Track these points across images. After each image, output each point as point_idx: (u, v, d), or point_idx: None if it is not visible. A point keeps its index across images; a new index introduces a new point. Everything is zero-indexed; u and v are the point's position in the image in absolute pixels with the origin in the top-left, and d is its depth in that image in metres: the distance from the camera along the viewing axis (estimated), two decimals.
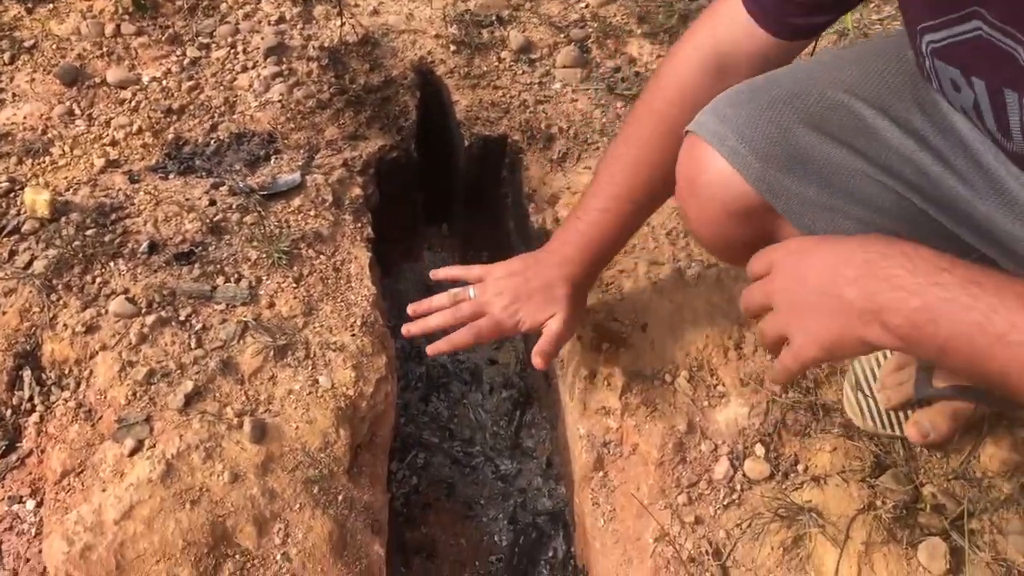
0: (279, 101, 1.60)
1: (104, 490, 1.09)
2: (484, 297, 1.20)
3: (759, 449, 1.21)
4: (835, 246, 0.79)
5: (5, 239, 1.33)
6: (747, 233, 0.95)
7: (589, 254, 1.17)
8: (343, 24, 1.74)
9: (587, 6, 1.85)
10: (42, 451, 1.15)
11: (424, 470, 1.47)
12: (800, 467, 1.19)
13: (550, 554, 1.36)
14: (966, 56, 0.77)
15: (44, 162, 1.47)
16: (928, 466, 1.18)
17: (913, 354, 0.79)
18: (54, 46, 1.68)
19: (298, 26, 1.76)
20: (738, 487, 1.19)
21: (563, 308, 1.18)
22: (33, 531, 1.10)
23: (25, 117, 1.55)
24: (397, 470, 1.46)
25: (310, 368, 1.22)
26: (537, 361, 1.18)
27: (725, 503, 1.18)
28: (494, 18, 1.80)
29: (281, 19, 1.77)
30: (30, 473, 1.15)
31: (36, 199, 1.36)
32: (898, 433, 1.19)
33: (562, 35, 1.78)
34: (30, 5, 1.75)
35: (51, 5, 1.76)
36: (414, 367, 1.61)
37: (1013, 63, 0.71)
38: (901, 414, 1.19)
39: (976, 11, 0.72)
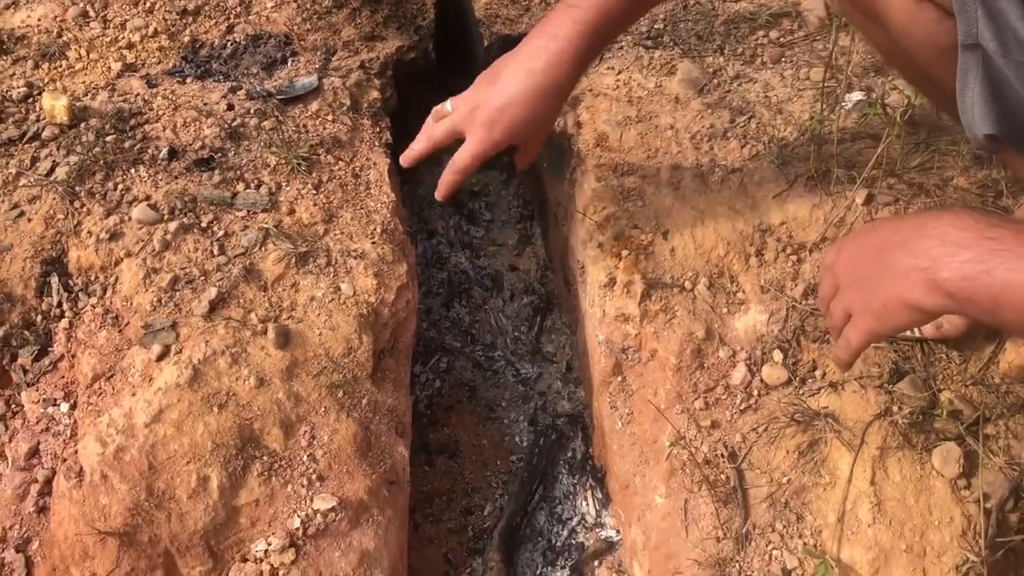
0: (295, 1, 1.56)
1: (134, 394, 1.12)
2: (459, 114, 1.14)
3: (777, 355, 1.21)
4: (892, 221, 0.79)
5: (26, 145, 1.34)
6: None
7: (580, 51, 1.07)
8: None
9: None
10: (73, 356, 1.18)
11: (447, 373, 1.50)
12: (818, 373, 1.20)
13: (569, 455, 1.40)
14: None
15: (60, 66, 1.46)
16: (947, 372, 1.18)
17: (963, 313, 0.78)
18: None
19: None
20: (755, 392, 1.20)
21: (536, 132, 1.15)
22: (68, 432, 1.14)
23: (39, 19, 1.53)
24: (420, 373, 1.48)
25: (332, 275, 1.23)
26: (521, 162, 1.22)
27: (742, 408, 1.19)
28: None
29: None
30: (62, 377, 1.18)
31: (55, 104, 1.35)
32: (918, 334, 1.19)
33: None
34: None
35: None
36: (435, 272, 1.62)
37: None
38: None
39: None
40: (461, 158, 1.14)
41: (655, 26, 1.55)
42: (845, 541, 1.09)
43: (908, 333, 1.19)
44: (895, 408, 1.15)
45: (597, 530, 1.33)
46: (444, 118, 1.16)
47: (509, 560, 1.28)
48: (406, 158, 1.19)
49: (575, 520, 1.34)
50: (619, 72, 1.48)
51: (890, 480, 1.11)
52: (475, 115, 1.11)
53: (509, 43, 1.54)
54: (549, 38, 1.08)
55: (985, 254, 0.70)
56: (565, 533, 1.32)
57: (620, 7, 1.08)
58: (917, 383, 1.16)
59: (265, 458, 1.11)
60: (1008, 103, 0.93)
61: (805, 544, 1.11)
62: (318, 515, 1.09)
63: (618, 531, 1.32)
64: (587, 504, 1.35)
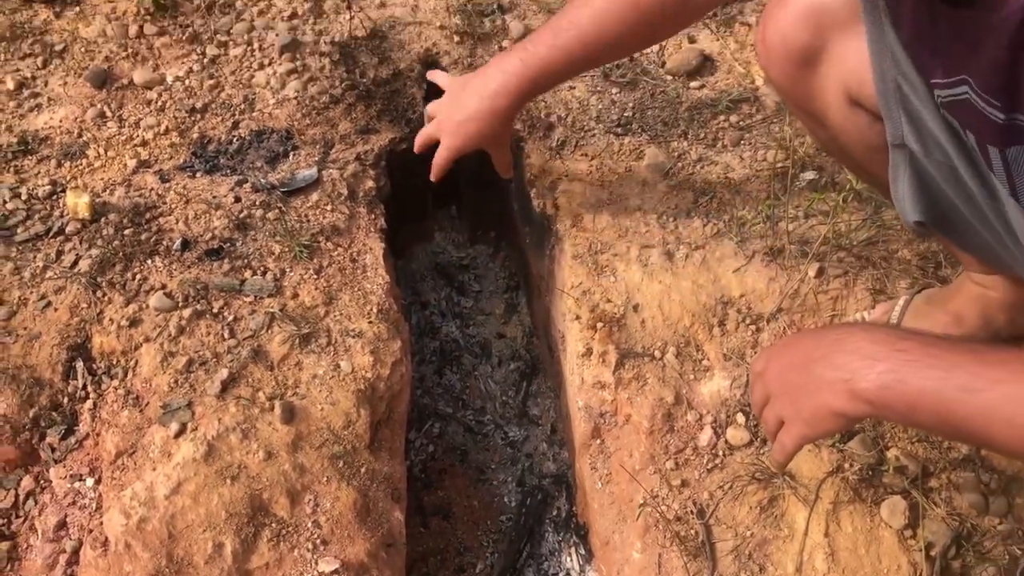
0: (295, 98, 1.70)
1: (154, 469, 1.23)
2: (436, 122, 1.44)
3: (740, 418, 1.33)
4: (814, 334, 0.92)
5: (52, 240, 1.47)
6: None
7: (521, 89, 1.33)
8: (352, 18, 1.84)
9: None
10: (97, 434, 1.30)
11: (439, 438, 1.61)
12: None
13: (554, 513, 1.51)
14: (961, 112, 0.87)
15: (81, 164, 1.60)
16: (893, 431, 1.30)
17: (884, 418, 0.91)
18: (83, 49, 1.79)
19: (310, 21, 1.85)
20: (720, 453, 1.32)
21: (493, 140, 1.42)
22: (94, 506, 1.25)
23: (61, 121, 1.67)
24: (415, 439, 1.60)
25: (332, 354, 1.35)
26: (434, 174, 1.46)
27: (709, 467, 1.31)
28: (495, 6, 1.89)
29: (293, 14, 1.86)
30: (88, 454, 1.29)
31: (77, 202, 1.49)
32: None
33: None
34: (58, 9, 1.85)
35: (77, 8, 1.86)
36: (428, 342, 1.74)
37: (993, 124, 0.80)
38: None
39: (964, 79, 0.82)
40: (437, 158, 1.44)
41: (624, 114, 1.69)
42: None
43: None
44: (846, 465, 1.26)
45: None
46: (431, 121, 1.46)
47: None
48: (417, 149, 1.49)
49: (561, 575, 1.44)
50: (592, 158, 1.62)
51: (843, 532, 1.22)
52: (442, 126, 1.41)
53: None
54: (500, 71, 1.33)
55: (898, 365, 0.81)
56: None
57: (561, 63, 1.30)
58: (867, 442, 1.28)
59: (274, 525, 1.22)
60: (933, 195, 1.06)
61: None
62: None
63: None
64: (571, 560, 1.45)
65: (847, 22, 1.03)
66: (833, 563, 1.20)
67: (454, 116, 1.40)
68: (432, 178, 1.47)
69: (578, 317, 1.44)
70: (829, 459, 1.27)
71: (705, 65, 1.76)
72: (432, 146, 1.45)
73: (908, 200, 1.08)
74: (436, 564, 1.47)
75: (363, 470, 1.29)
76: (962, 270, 1.32)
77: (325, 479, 1.26)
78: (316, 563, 1.21)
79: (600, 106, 1.71)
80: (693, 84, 1.75)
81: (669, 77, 1.76)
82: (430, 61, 1.79)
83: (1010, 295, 1.25)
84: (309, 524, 1.23)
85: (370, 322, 1.39)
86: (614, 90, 1.74)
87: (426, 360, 1.71)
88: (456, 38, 1.83)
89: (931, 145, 1.00)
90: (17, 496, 1.29)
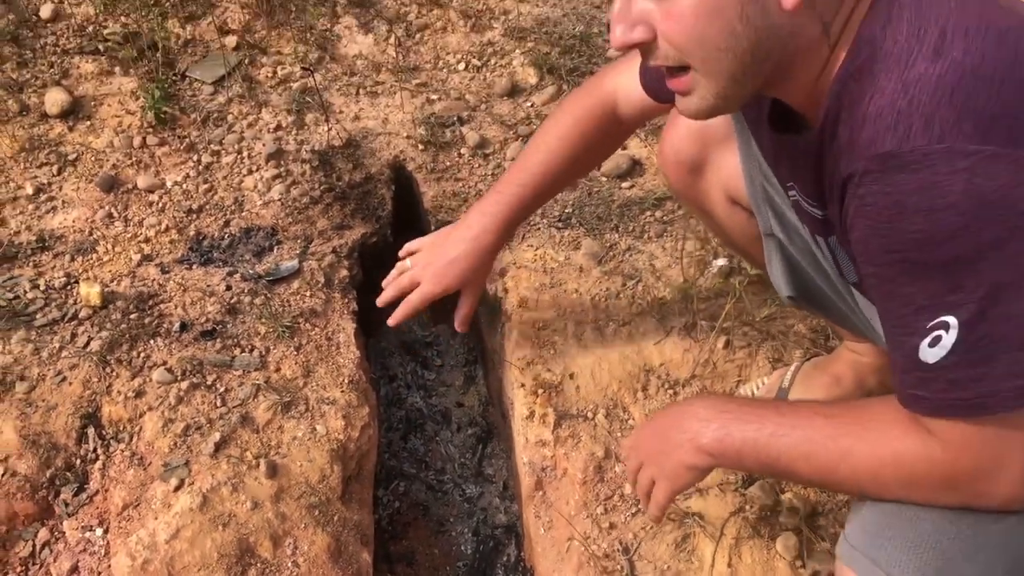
0: (279, 199, 1.96)
1: (156, 518, 1.44)
2: (416, 269, 1.53)
3: None
4: (668, 410, 1.17)
5: (67, 324, 1.69)
6: None
7: (507, 224, 1.49)
8: (330, 129, 2.12)
9: (532, 105, 2.22)
10: (106, 490, 1.50)
11: (404, 495, 1.82)
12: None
13: (504, 558, 1.71)
14: (798, 211, 1.13)
15: (92, 259, 1.84)
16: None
17: (723, 466, 1.12)
18: (93, 158, 2.05)
19: (292, 132, 2.13)
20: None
21: (474, 280, 1.52)
22: (103, 552, 1.45)
23: (74, 221, 1.92)
24: (382, 496, 1.80)
25: (309, 419, 1.57)
26: (460, 326, 1.55)
27: (633, 512, 1.53)
28: (455, 119, 2.17)
29: (278, 127, 2.14)
30: (97, 508, 1.50)
31: (89, 291, 1.72)
32: None
33: (512, 132, 2.15)
34: (71, 123, 2.12)
35: (88, 123, 2.13)
36: (396, 411, 1.96)
37: (815, 220, 1.06)
38: None
39: (793, 186, 1.08)
40: (414, 298, 1.51)
41: (565, 211, 1.96)
42: None
43: None
44: (747, 507, 1.49)
45: None
46: (405, 272, 1.55)
47: None
48: (382, 300, 1.56)
49: None
50: (536, 248, 1.88)
51: (743, 563, 1.44)
52: (427, 270, 1.51)
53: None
54: (481, 213, 1.49)
55: (724, 423, 1.06)
56: None
57: (533, 194, 1.49)
58: (765, 487, 1.51)
59: (259, 565, 1.42)
60: (799, 275, 1.32)
61: None
62: None
63: None
64: None
65: (724, 139, 1.31)
66: None
67: (437, 262, 1.49)
68: (392, 322, 1.53)
69: (523, 385, 1.67)
70: (733, 502, 1.49)
71: (635, 168, 2.05)
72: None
73: (780, 279, 1.34)
74: None
75: (336, 518, 1.50)
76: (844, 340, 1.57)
77: (303, 525, 1.47)
78: None
79: (544, 205, 1.97)
80: (624, 185, 2.03)
81: (604, 179, 2.04)
82: (398, 166, 2.07)
83: (878, 359, 1.50)
84: (289, 564, 1.43)
85: (342, 391, 1.62)
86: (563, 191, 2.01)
87: (393, 427, 1.93)
88: (420, 146, 2.11)
89: (792, 234, 1.26)
90: (34, 546, 1.48)
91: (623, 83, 1.39)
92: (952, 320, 0.82)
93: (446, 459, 1.89)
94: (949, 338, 0.83)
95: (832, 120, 0.89)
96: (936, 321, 0.83)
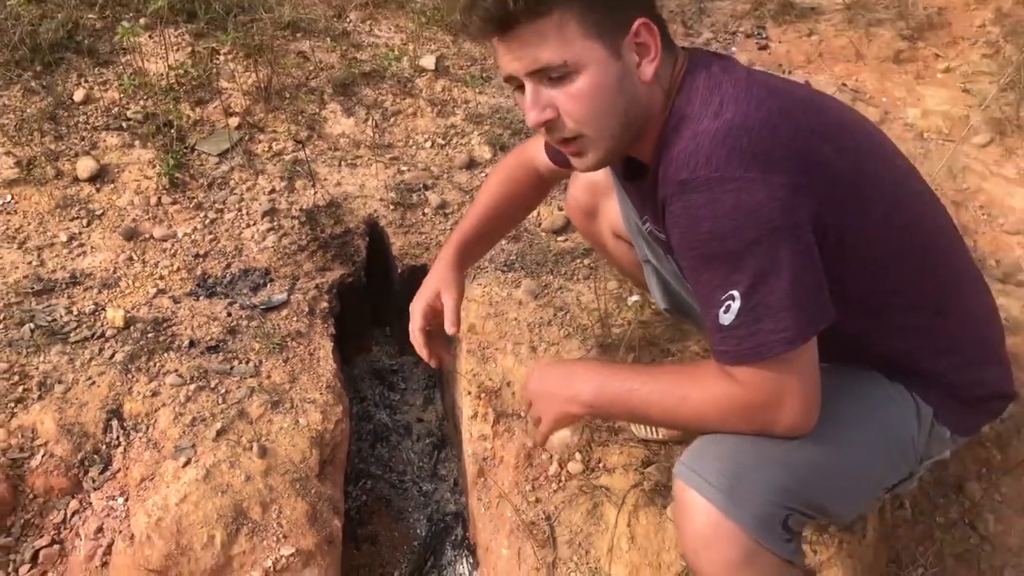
0: (272, 247, 2.36)
1: (168, 487, 1.79)
2: (412, 311, 1.75)
3: (577, 456, 1.92)
4: (556, 367, 1.52)
5: (96, 341, 2.06)
6: None
7: (464, 251, 1.74)
8: (316, 192, 2.54)
9: (485, 175, 2.66)
10: (126, 468, 1.85)
11: (371, 491, 2.17)
12: (601, 464, 1.91)
13: (452, 537, 2.05)
14: (652, 238, 1.53)
15: (116, 291, 2.22)
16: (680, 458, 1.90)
17: (598, 416, 1.47)
18: (116, 213, 2.45)
19: (284, 195, 2.55)
20: (563, 479, 1.90)
21: (452, 290, 1.71)
22: (123, 515, 1.79)
23: (100, 262, 2.30)
24: (352, 491, 2.15)
25: (294, 414, 1.94)
26: (451, 329, 1.73)
27: (554, 488, 1.89)
28: (421, 185, 2.60)
29: (273, 190, 2.55)
30: (119, 482, 1.84)
31: (114, 315, 2.10)
32: (660, 438, 1.92)
33: (468, 196, 2.58)
34: (98, 185, 2.52)
35: (112, 185, 2.53)
36: (365, 425, 2.33)
37: (664, 242, 1.45)
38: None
39: (647, 218, 1.49)
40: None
41: (510, 258, 2.37)
42: (614, 562, 1.76)
43: (653, 436, 1.92)
44: (644, 482, 1.85)
45: None
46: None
47: None
48: (426, 356, 1.73)
49: None
50: (484, 286, 2.28)
51: (640, 524, 1.79)
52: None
53: (415, 270, 2.35)
54: (445, 246, 1.82)
55: (599, 383, 1.40)
56: None
57: (476, 236, 1.78)
58: (660, 467, 1.88)
59: (250, 524, 1.76)
60: (671, 291, 1.72)
61: (590, 566, 1.77)
62: (283, 559, 1.74)
63: None
64: (463, 567, 2.00)
65: (608, 190, 1.73)
66: (633, 545, 1.77)
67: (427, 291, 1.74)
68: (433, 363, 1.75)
69: (470, 392, 2.05)
70: (634, 478, 1.86)
71: (568, 225, 2.47)
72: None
73: (657, 295, 1.74)
74: (367, 573, 2.00)
75: (313, 491, 1.85)
76: None
77: (287, 495, 1.82)
78: (279, 550, 1.75)
79: (492, 253, 2.39)
80: (559, 238, 2.45)
81: (543, 233, 2.47)
82: (372, 222, 2.48)
83: None
84: (275, 525, 1.78)
85: (320, 393, 1.99)
86: (503, 242, 2.43)
87: (363, 438, 2.29)
88: (391, 207, 2.53)
89: (661, 258, 1.67)
90: (65, 514, 1.82)
91: (540, 151, 1.81)
92: (736, 294, 1.22)
93: (407, 463, 2.25)
94: (735, 307, 1.22)
95: (657, 164, 1.30)
96: (726, 295, 1.22)
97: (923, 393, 1.43)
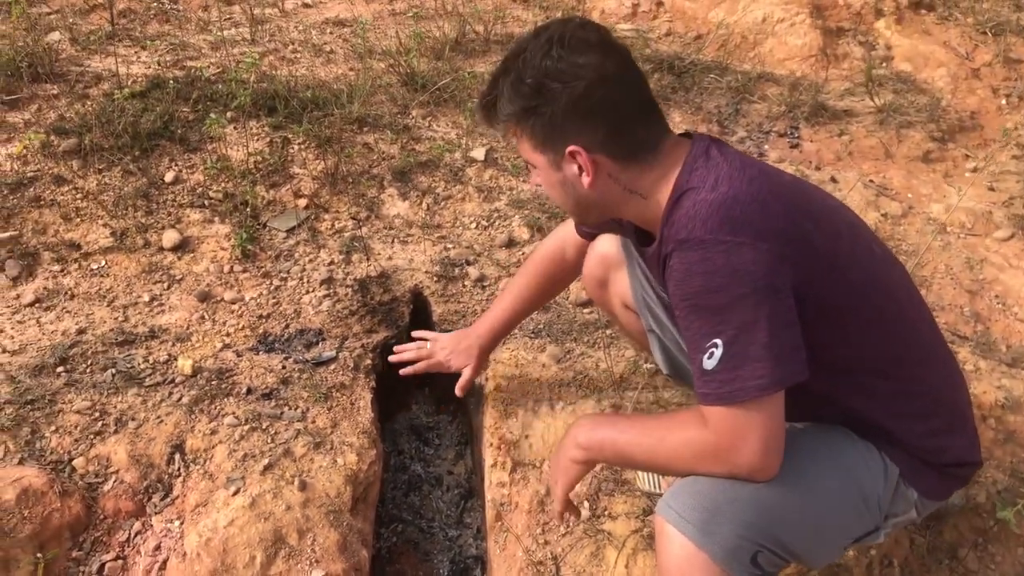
0: (326, 311, 2.64)
1: (218, 512, 2.02)
2: (433, 347, 2.23)
3: (585, 503, 2.10)
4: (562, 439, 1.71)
5: (167, 386, 2.35)
6: None
7: (494, 334, 2.21)
8: (369, 265, 2.82)
9: (524, 253, 2.92)
10: (184, 496, 2.10)
11: (401, 534, 2.37)
12: (606, 512, 2.08)
13: None
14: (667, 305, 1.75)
15: (187, 344, 2.51)
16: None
17: (592, 458, 1.61)
18: (193, 279, 2.77)
19: (342, 267, 2.84)
20: (571, 524, 2.08)
21: (473, 362, 2.19)
22: (179, 535, 2.03)
23: (176, 320, 2.61)
24: (384, 533, 2.35)
25: (333, 455, 2.17)
26: (459, 392, 2.18)
27: (563, 532, 2.07)
28: (464, 261, 2.87)
29: (331, 262, 2.85)
30: (177, 508, 2.09)
31: (184, 364, 2.39)
32: (661, 491, 2.08)
33: (505, 271, 2.83)
34: (179, 255, 2.86)
35: (192, 254, 2.87)
36: (400, 475, 2.54)
37: (666, 306, 1.66)
38: (662, 481, 2.09)
39: (653, 282, 1.71)
40: (430, 363, 2.27)
41: (538, 326, 2.60)
42: None
43: (655, 490, 2.09)
44: (645, 528, 2.02)
45: None
46: (423, 347, 2.27)
47: None
48: (398, 356, 2.30)
49: None
50: (512, 351, 2.50)
51: (637, 566, 1.96)
52: (444, 350, 2.25)
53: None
54: (475, 330, 2.23)
55: (592, 428, 1.60)
56: None
57: (508, 317, 2.20)
58: None
59: (287, 548, 1.98)
60: (672, 358, 1.92)
61: None
62: None
63: None
64: None
65: (619, 263, 1.96)
66: None
67: (454, 347, 2.23)
68: (403, 372, 2.27)
69: (491, 444, 2.26)
70: (635, 525, 2.03)
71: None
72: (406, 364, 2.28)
73: (660, 361, 1.94)
74: None
75: (345, 524, 2.07)
76: None
77: (321, 525, 2.03)
78: (311, 573, 1.96)
79: (523, 321, 2.62)
80: (585, 310, 2.67)
81: (570, 306, 2.70)
82: (417, 291, 2.75)
83: None
84: (309, 550, 1.99)
85: (357, 438, 2.23)
86: (534, 313, 2.66)
87: (398, 486, 2.50)
88: (435, 279, 2.80)
89: (664, 329, 1.88)
90: (129, 534, 2.07)
91: (569, 233, 2.07)
92: (719, 342, 1.40)
93: (436, 511, 2.45)
94: (718, 354, 1.41)
95: (663, 230, 1.50)
96: (711, 343, 1.41)
97: (890, 452, 1.58)
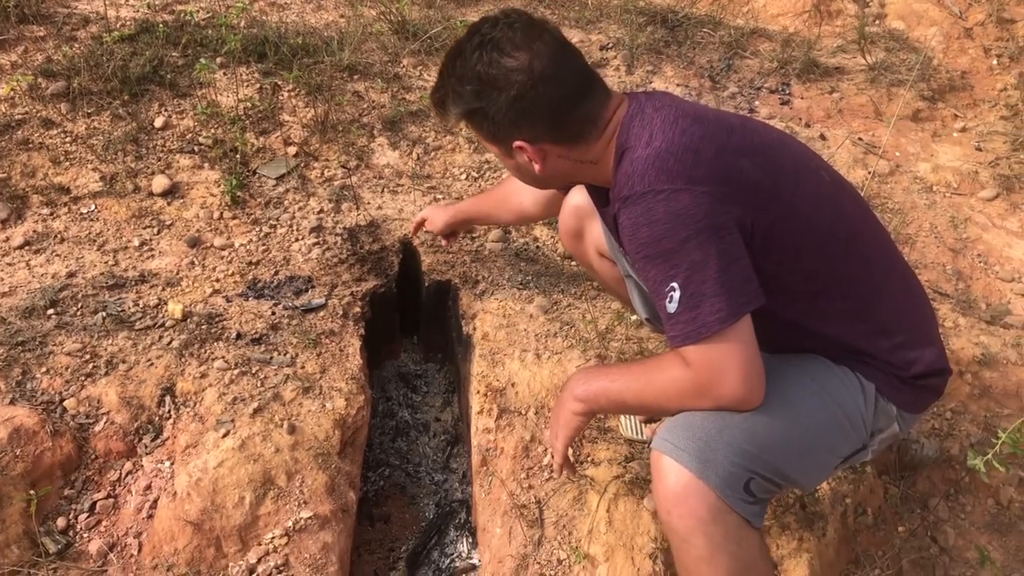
0: (316, 259, 2.66)
1: (208, 453, 2.06)
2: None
3: (569, 450, 2.14)
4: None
5: (157, 329, 2.37)
6: None
7: (464, 219, 2.38)
8: (359, 214, 2.83)
9: None
10: (175, 437, 2.13)
11: (388, 478, 2.42)
12: (589, 458, 2.13)
13: (457, 520, 2.28)
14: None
15: (177, 289, 2.53)
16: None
17: (590, 408, 1.65)
18: (183, 224, 2.78)
19: (331, 215, 2.85)
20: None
21: (445, 213, 2.36)
22: (169, 475, 2.06)
23: (166, 264, 2.62)
24: (371, 476, 2.40)
25: (322, 399, 2.21)
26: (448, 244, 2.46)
27: (546, 477, 2.11)
28: None
29: (321, 211, 2.86)
30: (167, 449, 2.12)
31: (174, 308, 2.40)
32: (643, 439, 2.13)
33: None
34: (169, 200, 2.86)
35: (182, 200, 2.87)
36: (388, 421, 2.58)
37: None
38: (645, 427, 2.14)
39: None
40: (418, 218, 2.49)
41: (526, 278, 2.62)
42: (592, 542, 1.97)
43: (636, 437, 2.14)
44: (626, 474, 2.07)
45: (467, 560, 2.20)
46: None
47: (412, 574, 2.15)
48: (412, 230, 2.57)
49: (454, 554, 2.21)
50: (500, 301, 2.53)
51: (618, 511, 2.01)
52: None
53: (441, 284, 2.62)
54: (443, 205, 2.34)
55: (587, 379, 1.64)
56: (447, 561, 2.19)
57: (477, 210, 2.31)
58: (641, 463, 2.09)
59: (276, 490, 2.02)
60: (649, 302, 1.95)
61: (571, 545, 1.99)
62: (302, 520, 1.99)
63: (479, 561, 2.18)
64: (463, 546, 2.22)
65: (592, 212, 1.98)
66: (610, 528, 1.98)
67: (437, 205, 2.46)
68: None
69: (478, 391, 2.29)
70: (617, 471, 2.08)
71: None
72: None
73: (638, 305, 1.98)
74: (376, 546, 2.23)
75: (333, 466, 2.10)
76: None
77: (310, 468, 2.07)
78: (299, 513, 2.01)
79: (511, 272, 2.65)
80: (572, 263, 2.70)
81: (558, 258, 2.72)
82: (406, 241, 2.76)
83: None
84: (297, 492, 2.04)
85: (346, 384, 2.26)
86: (522, 263, 2.69)
87: (385, 432, 2.54)
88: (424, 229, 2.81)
89: (638, 272, 1.91)
90: (120, 473, 2.10)
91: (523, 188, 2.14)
92: (675, 285, 1.45)
93: (422, 456, 2.49)
94: (676, 296, 1.46)
95: (611, 192, 1.56)
96: (668, 287, 1.46)
97: (864, 371, 1.64)
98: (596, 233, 1.99)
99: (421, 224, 2.49)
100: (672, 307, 1.47)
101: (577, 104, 1.56)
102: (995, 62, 4.09)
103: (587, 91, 1.58)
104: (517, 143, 1.58)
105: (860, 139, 3.53)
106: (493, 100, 1.54)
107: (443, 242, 2.50)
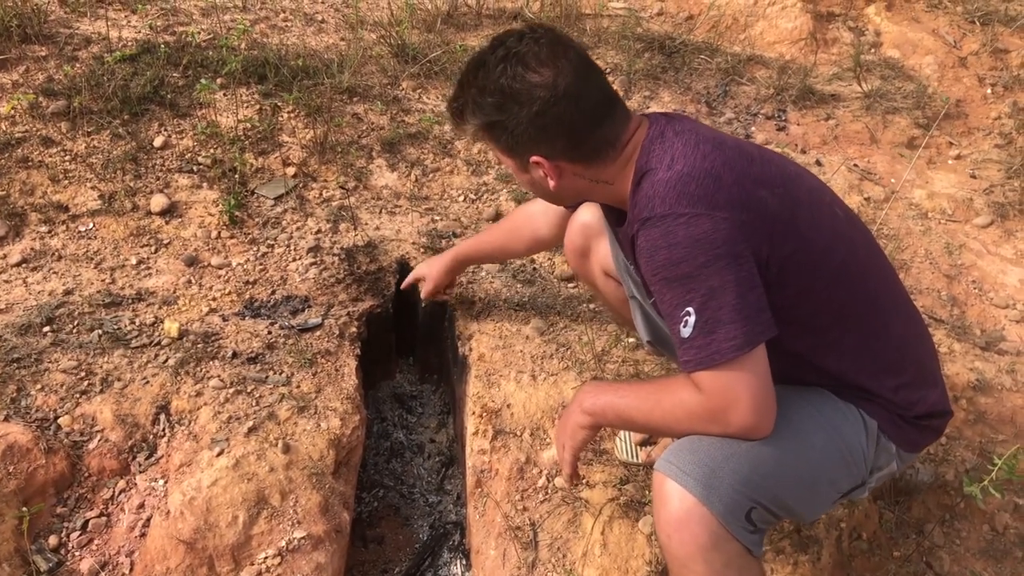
0: (313, 279, 2.66)
1: (202, 471, 2.05)
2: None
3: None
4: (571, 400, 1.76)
5: (153, 348, 2.37)
6: None
7: (464, 253, 2.39)
8: (356, 235, 2.84)
9: None
10: (169, 456, 2.13)
11: (383, 499, 2.41)
12: (584, 480, 2.12)
13: (451, 542, 2.27)
14: (637, 275, 1.80)
15: (174, 308, 2.53)
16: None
17: (597, 423, 1.67)
18: (181, 243, 2.78)
19: (329, 235, 2.86)
20: (549, 491, 2.12)
21: (440, 263, 2.37)
22: (163, 494, 2.06)
23: (163, 283, 2.63)
24: (365, 497, 2.39)
25: (316, 419, 2.20)
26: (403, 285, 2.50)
27: (541, 499, 2.11)
28: (451, 233, 2.89)
29: (319, 231, 2.87)
30: (161, 467, 2.12)
31: (170, 327, 2.40)
32: (639, 461, 2.13)
33: None
34: (167, 219, 2.87)
35: (180, 219, 2.88)
36: (383, 442, 2.57)
37: (642, 279, 1.71)
38: (640, 450, 2.14)
39: (630, 259, 1.75)
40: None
41: (523, 299, 2.63)
42: (587, 565, 1.96)
43: (632, 460, 2.14)
44: (621, 497, 2.06)
45: None
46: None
47: None
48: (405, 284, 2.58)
49: None
50: (497, 322, 2.54)
51: (613, 533, 2.00)
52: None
53: (437, 307, 2.62)
54: (439, 256, 2.37)
55: (596, 393, 1.66)
56: None
57: (474, 251, 2.34)
58: (637, 485, 2.09)
59: (270, 509, 2.02)
60: (653, 325, 1.96)
61: (565, 568, 1.98)
62: (295, 541, 1.98)
63: None
64: (457, 568, 2.21)
65: (600, 232, 1.99)
66: (605, 551, 1.97)
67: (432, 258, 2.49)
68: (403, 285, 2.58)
69: (474, 412, 2.29)
70: (612, 493, 2.07)
71: None
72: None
73: (641, 328, 1.98)
74: (370, 568, 2.22)
75: (327, 486, 2.10)
76: None
77: (304, 487, 2.07)
78: (293, 533, 2.00)
79: (508, 294, 2.65)
80: (570, 285, 2.70)
81: (555, 279, 2.73)
82: (403, 262, 2.77)
83: None
84: (291, 511, 2.03)
85: (341, 403, 2.26)
86: (519, 285, 2.70)
87: (380, 453, 2.53)
88: (422, 250, 2.82)
89: (644, 294, 1.91)
90: (114, 491, 2.10)
91: (540, 211, 2.15)
92: (691, 310, 1.46)
93: (417, 477, 2.48)
94: (691, 320, 1.46)
95: (629, 212, 1.58)
96: (684, 311, 1.47)
97: (868, 408, 1.65)
98: (603, 252, 2.00)
99: (415, 282, 2.53)
100: (686, 331, 1.47)
101: (597, 124, 1.57)
102: (989, 91, 4.13)
103: (608, 112, 1.58)
104: (534, 158, 1.59)
105: (856, 165, 3.56)
106: (514, 114, 1.54)
107: (443, 297, 2.53)
